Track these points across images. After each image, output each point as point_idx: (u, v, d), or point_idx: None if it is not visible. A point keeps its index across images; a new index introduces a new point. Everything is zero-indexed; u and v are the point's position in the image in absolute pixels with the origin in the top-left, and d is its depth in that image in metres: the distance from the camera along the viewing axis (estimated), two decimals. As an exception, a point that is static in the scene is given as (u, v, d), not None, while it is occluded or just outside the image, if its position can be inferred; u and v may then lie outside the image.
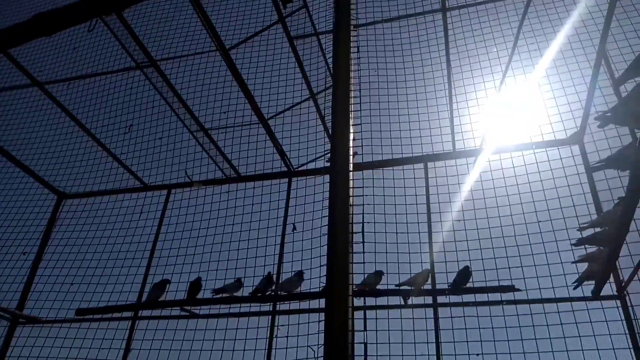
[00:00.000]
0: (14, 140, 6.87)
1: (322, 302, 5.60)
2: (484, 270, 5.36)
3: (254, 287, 5.71)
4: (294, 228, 5.54)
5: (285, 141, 6.37)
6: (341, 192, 1.76)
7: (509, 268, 5.33)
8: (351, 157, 6.21)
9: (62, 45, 7.14)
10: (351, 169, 1.79)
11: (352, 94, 1.92)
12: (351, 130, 1.89)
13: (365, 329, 4.95)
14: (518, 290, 5.16)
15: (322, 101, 5.93)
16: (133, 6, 3.18)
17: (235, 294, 5.79)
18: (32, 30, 3.15)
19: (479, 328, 5.24)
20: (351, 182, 1.75)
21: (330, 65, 5.99)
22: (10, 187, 7.10)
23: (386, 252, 5.46)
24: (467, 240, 5.57)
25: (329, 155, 6.29)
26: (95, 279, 6.34)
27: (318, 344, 4.82)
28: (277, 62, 6.19)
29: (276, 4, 5.06)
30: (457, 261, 5.48)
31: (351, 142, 1.88)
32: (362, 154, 5.87)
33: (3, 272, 6.77)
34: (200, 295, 5.85)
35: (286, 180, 6.68)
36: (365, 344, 4.55)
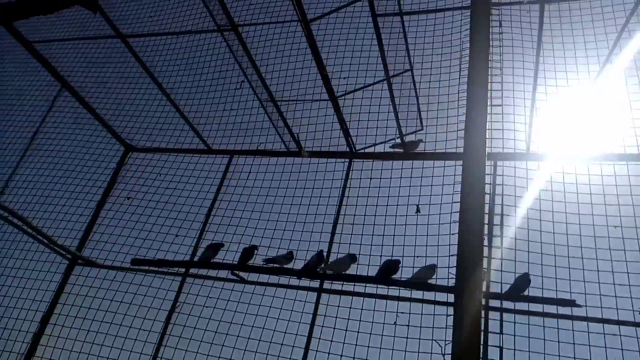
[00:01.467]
0: (91, 88, 7.04)
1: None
2: (541, 277, 5.11)
3: (306, 262, 5.68)
4: (418, 210, 5.44)
5: (353, 122, 6.23)
6: (476, 182, 1.62)
7: (569, 280, 5.06)
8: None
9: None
10: (487, 157, 1.66)
11: (490, 77, 1.77)
12: (488, 119, 1.75)
13: (501, 332, 4.84)
14: (579, 306, 4.91)
15: (398, 85, 5.73)
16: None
17: (285, 266, 5.78)
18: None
19: (529, 337, 5.02)
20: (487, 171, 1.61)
21: (410, 49, 5.81)
22: (82, 134, 7.32)
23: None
24: (527, 245, 5.30)
25: (398, 139, 6.21)
26: (152, 234, 6.47)
27: (445, 340, 4.80)
28: (355, 39, 6.03)
29: (366, -21, 4.88)
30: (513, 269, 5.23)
31: (487, 129, 1.74)
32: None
33: (66, 215, 6.98)
34: (251, 263, 5.87)
35: (347, 160, 6.56)
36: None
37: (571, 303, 4.91)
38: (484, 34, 1.85)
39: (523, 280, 5.07)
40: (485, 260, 5.24)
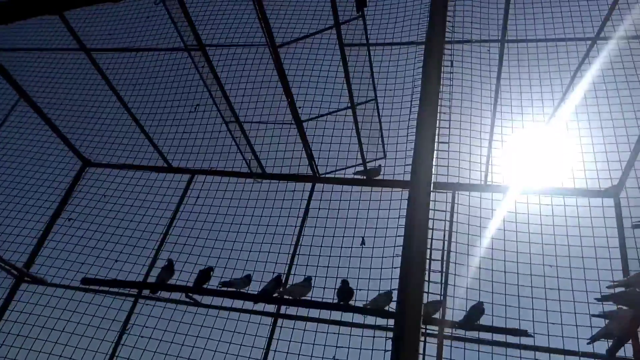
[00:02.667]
0: (50, 101, 6.84)
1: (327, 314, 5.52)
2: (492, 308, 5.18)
3: (264, 287, 5.60)
4: (363, 242, 5.43)
5: (316, 146, 6.28)
6: (420, 213, 1.64)
7: (519, 309, 5.15)
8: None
9: (112, 14, 7.14)
10: (431, 189, 1.69)
11: (440, 109, 1.82)
12: (435, 148, 1.78)
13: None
14: (529, 335, 4.99)
15: (361, 113, 5.82)
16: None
17: (242, 290, 5.68)
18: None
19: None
20: (432, 203, 1.65)
21: (375, 79, 5.93)
22: (38, 146, 7.07)
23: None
24: (478, 278, 5.39)
25: (360, 167, 6.27)
26: (105, 251, 6.26)
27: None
28: (322, 66, 6.12)
29: (334, 9, 4.98)
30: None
31: (434, 160, 1.77)
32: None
33: (15, 229, 6.69)
34: (207, 285, 5.75)
35: (310, 184, 6.57)
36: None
37: (522, 333, 5.02)
38: (436, 69, 1.91)
39: (477, 310, 5.14)
40: (440, 289, 5.34)
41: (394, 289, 5.34)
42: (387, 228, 5.58)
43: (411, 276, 1.56)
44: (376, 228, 5.62)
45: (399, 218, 5.61)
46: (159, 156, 6.93)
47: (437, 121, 1.88)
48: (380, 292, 5.37)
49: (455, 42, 5.87)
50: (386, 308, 5.28)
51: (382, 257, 5.43)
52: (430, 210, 1.78)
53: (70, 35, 5.98)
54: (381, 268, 5.38)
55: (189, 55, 5.76)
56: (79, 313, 5.89)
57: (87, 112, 7.04)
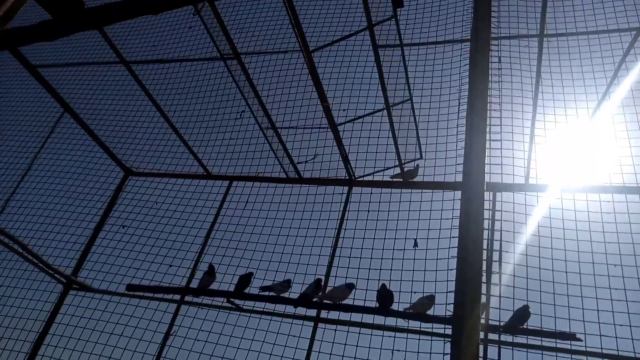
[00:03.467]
0: (93, 112, 7.08)
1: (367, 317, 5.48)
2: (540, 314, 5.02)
3: (303, 291, 5.62)
4: (415, 244, 5.39)
5: (353, 149, 6.25)
6: (475, 213, 1.60)
7: (568, 312, 4.96)
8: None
9: (149, 26, 7.32)
10: (485, 188, 1.65)
11: (489, 107, 1.78)
12: (487, 147, 1.74)
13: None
14: (579, 340, 4.81)
15: (398, 114, 5.76)
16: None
17: (282, 295, 5.70)
18: (142, 6, 3.18)
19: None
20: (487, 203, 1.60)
21: (410, 79, 5.86)
22: (82, 157, 7.32)
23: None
24: (526, 276, 5.23)
25: (397, 170, 6.21)
26: (149, 258, 6.41)
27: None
28: (356, 68, 6.09)
29: (367, 11, 4.95)
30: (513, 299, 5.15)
31: (487, 159, 1.73)
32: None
33: (64, 237, 6.93)
34: (247, 290, 5.81)
35: (346, 187, 6.55)
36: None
37: (571, 337, 4.84)
38: (484, 68, 1.86)
39: (523, 313, 4.99)
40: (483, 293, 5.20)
41: (434, 293, 5.27)
42: (428, 229, 5.50)
43: (468, 279, 1.52)
44: (417, 229, 5.55)
45: (440, 219, 5.52)
46: (198, 164, 7.06)
47: (488, 120, 1.83)
48: (423, 295, 5.29)
49: (499, 38, 5.73)
50: (429, 312, 5.20)
51: (425, 259, 5.35)
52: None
53: (110, 48, 6.18)
54: (424, 270, 5.29)
55: (224, 64, 5.85)
56: (126, 317, 6.05)
57: (128, 123, 7.24)
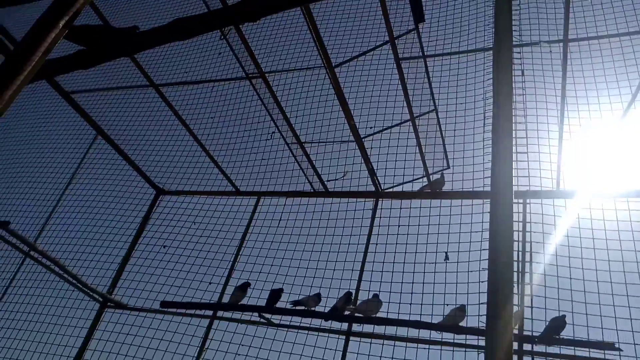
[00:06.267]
0: (125, 135, 7.38)
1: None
2: (572, 324, 4.96)
3: (333, 304, 5.69)
4: (447, 257, 5.46)
5: (380, 162, 6.36)
6: (504, 221, 1.67)
7: (601, 321, 4.88)
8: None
9: (177, 51, 7.62)
10: (514, 197, 1.71)
11: (515, 116, 1.86)
12: (514, 158, 1.81)
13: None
14: (619, 349, 4.74)
15: (424, 125, 5.84)
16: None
17: (313, 309, 5.79)
18: (171, 34, 3.39)
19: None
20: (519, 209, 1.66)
21: (434, 90, 5.95)
22: (116, 179, 7.62)
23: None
24: (557, 285, 5.18)
25: (425, 182, 6.26)
26: (182, 275, 6.60)
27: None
28: (380, 82, 6.22)
29: (388, 25, 5.08)
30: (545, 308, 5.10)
31: (515, 165, 1.81)
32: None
33: (99, 257, 7.21)
34: (279, 305, 5.91)
35: (373, 200, 6.63)
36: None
37: (609, 346, 4.77)
38: (508, 75, 1.93)
39: (559, 322, 4.94)
40: (516, 302, 5.18)
41: (465, 304, 5.27)
42: (459, 243, 5.52)
43: (500, 290, 1.57)
44: (448, 243, 5.58)
45: (470, 230, 5.54)
46: (227, 181, 7.27)
47: (514, 129, 1.90)
48: (454, 307, 5.29)
49: (522, 45, 5.78)
50: (461, 323, 5.20)
51: (457, 271, 5.36)
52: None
53: (140, 73, 6.48)
54: (456, 283, 5.31)
55: (250, 83, 6.06)
56: (160, 334, 6.25)
57: (159, 144, 7.52)
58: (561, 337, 4.92)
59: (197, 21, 3.34)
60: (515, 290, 5.28)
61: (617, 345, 4.74)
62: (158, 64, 7.02)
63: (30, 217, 7.67)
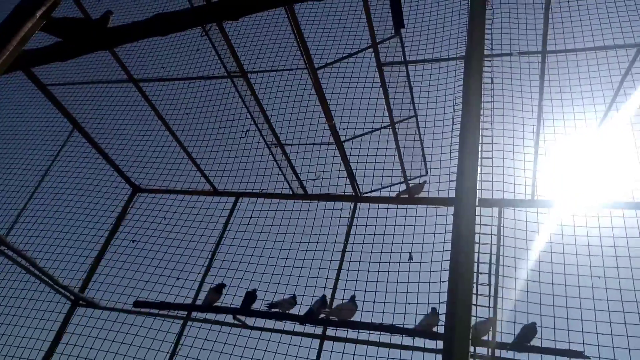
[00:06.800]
0: (102, 130, 7.30)
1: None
2: (554, 329, 5.06)
3: (309, 307, 5.71)
4: (410, 257, 5.51)
5: (360, 165, 6.40)
6: (465, 229, 1.71)
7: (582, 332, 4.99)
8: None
9: (156, 47, 7.57)
10: (477, 204, 1.76)
11: (482, 125, 1.90)
12: (479, 164, 1.86)
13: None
14: (587, 357, 4.86)
15: (403, 131, 5.91)
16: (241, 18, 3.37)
17: (288, 312, 5.79)
18: (151, 29, 3.37)
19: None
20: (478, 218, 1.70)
21: (415, 96, 6.02)
22: (91, 174, 7.51)
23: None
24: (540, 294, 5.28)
25: (403, 187, 6.32)
26: (155, 275, 6.55)
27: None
28: (362, 86, 6.27)
29: (371, 29, 5.13)
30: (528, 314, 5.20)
31: (479, 175, 1.85)
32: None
33: (71, 256, 7.09)
34: (254, 307, 5.90)
35: (351, 203, 6.67)
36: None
37: (579, 354, 4.88)
38: (476, 84, 1.98)
39: (530, 330, 5.04)
40: (492, 310, 5.27)
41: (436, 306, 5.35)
42: (433, 243, 5.60)
43: (459, 291, 1.61)
44: (423, 243, 5.65)
45: (444, 234, 5.61)
46: (205, 180, 7.22)
47: (480, 136, 1.95)
48: (428, 313, 5.35)
49: (495, 55, 5.91)
50: (435, 329, 5.26)
51: (430, 271, 5.43)
52: (476, 225, 1.84)
53: (120, 68, 6.41)
54: (429, 282, 5.37)
55: (231, 82, 6.04)
56: (132, 335, 6.18)
57: (136, 140, 7.45)
58: (532, 345, 5.02)
59: (178, 17, 3.33)
60: (489, 297, 5.39)
61: (585, 354, 4.87)
62: (137, 58, 6.96)
63: (2, 209, 7.53)
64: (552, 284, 5.11)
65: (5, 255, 6.41)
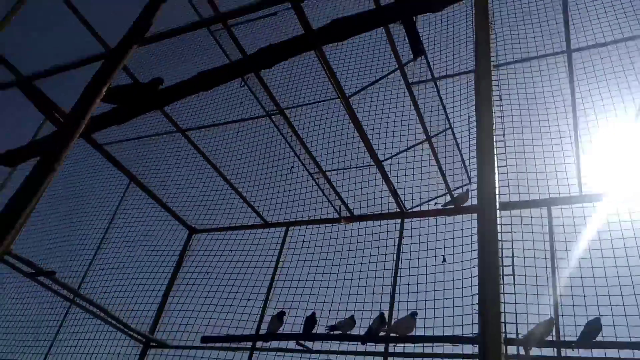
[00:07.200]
0: (156, 180, 7.82)
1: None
2: (613, 325, 5.02)
3: (369, 326, 5.87)
4: (444, 259, 5.67)
5: (400, 183, 6.59)
6: (488, 233, 1.91)
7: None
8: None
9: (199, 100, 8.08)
10: (498, 207, 1.94)
11: (495, 134, 2.09)
12: (496, 171, 2.05)
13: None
14: (653, 349, 4.78)
15: (440, 144, 6.10)
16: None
17: (348, 332, 5.97)
18: (195, 86, 3.77)
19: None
20: (499, 221, 1.89)
21: (447, 109, 6.21)
22: (150, 222, 8.02)
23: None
24: (595, 288, 5.26)
25: (448, 198, 6.46)
26: (219, 309, 6.88)
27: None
28: (394, 107, 6.53)
29: (396, 53, 5.41)
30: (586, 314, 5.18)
31: (497, 182, 2.04)
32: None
33: (139, 299, 7.53)
34: (314, 330, 6.12)
35: (399, 220, 6.84)
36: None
37: (641, 346, 4.82)
38: (487, 91, 2.16)
39: (594, 326, 5.01)
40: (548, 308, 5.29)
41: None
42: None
43: (487, 294, 1.77)
44: (471, 251, 5.73)
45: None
46: (256, 215, 7.60)
47: (494, 142, 2.12)
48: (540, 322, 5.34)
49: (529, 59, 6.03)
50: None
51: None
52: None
53: (167, 120, 6.96)
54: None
55: (270, 120, 6.45)
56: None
57: (189, 186, 7.94)
58: (597, 340, 4.99)
59: (219, 73, 3.71)
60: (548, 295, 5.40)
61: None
62: (182, 110, 7.48)
63: (73, 264, 8.11)
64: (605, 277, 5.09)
65: (79, 306, 6.95)
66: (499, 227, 1.90)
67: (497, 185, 2.00)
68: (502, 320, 1.76)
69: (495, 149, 2.02)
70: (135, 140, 8.09)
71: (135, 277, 7.79)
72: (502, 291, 1.78)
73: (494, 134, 2.09)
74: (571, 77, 5.28)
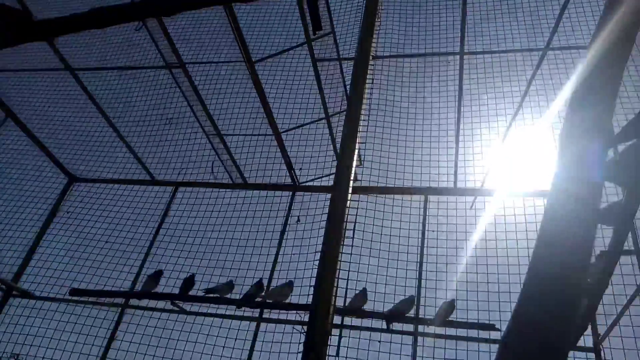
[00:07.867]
0: (37, 119, 7.27)
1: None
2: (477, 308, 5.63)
3: (246, 292, 6.01)
4: (298, 219, 5.89)
5: (296, 156, 6.74)
6: (338, 212, 2.08)
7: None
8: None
9: (95, 36, 7.58)
10: (350, 190, 2.11)
11: (362, 119, 2.26)
12: (356, 154, 2.22)
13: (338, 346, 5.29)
14: (497, 330, 5.44)
15: (336, 124, 6.31)
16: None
17: (225, 296, 6.07)
18: (88, 21, 3.56)
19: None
20: (349, 203, 2.05)
21: (348, 91, 6.44)
22: (26, 164, 7.46)
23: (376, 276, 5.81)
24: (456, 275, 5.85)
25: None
26: (94, 263, 6.63)
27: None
28: (298, 80, 6.61)
29: (305, 27, 5.50)
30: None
31: (354, 164, 2.22)
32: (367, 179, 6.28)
33: (5, 244, 7.04)
34: (192, 293, 6.14)
35: (290, 193, 7.02)
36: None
37: (490, 327, 5.47)
38: (361, 83, 2.35)
39: (448, 306, 5.59)
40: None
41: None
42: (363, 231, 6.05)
43: (325, 269, 1.95)
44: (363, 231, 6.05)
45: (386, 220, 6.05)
46: (144, 170, 7.36)
47: (358, 131, 2.31)
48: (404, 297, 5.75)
49: (426, 54, 6.43)
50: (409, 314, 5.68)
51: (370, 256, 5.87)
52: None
53: (57, 57, 6.45)
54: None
55: (170, 73, 6.24)
56: (71, 323, 6.24)
57: (73, 129, 7.46)
58: (451, 319, 5.60)
59: (115, 12, 3.53)
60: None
61: (496, 326, 5.49)
62: (75, 49, 6.98)
63: None
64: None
65: None
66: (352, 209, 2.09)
67: (354, 169, 2.19)
68: (334, 293, 1.93)
69: (358, 137, 2.19)
70: (18, 72, 7.44)
71: (2, 221, 7.25)
72: (339, 267, 1.95)
73: (360, 122, 2.26)
74: (461, 77, 5.72)
